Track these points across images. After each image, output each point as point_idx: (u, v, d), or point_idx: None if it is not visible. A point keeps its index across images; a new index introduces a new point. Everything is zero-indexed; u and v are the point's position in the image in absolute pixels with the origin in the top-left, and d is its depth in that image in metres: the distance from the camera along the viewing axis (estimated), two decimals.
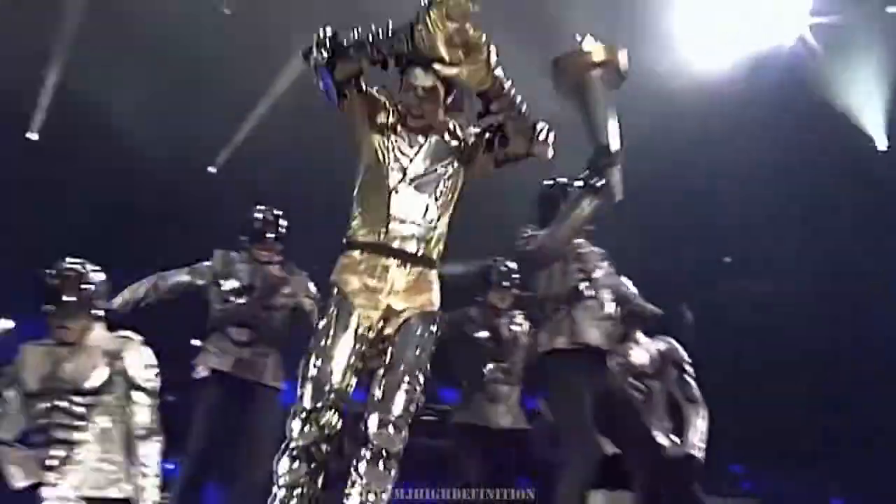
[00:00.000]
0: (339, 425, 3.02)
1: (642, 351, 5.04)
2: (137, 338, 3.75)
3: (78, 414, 3.61)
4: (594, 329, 4.27)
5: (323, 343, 3.01)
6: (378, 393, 3.00)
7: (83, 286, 3.71)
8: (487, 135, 3.24)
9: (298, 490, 2.97)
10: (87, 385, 3.63)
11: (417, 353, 3.06)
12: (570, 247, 4.30)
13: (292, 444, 2.97)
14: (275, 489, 2.99)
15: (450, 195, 3.21)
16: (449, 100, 3.21)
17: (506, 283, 5.22)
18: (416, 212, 3.12)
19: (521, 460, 5.06)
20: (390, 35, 3.00)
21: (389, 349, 3.06)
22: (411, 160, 3.17)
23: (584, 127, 3.95)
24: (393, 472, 2.99)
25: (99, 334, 3.77)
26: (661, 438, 4.87)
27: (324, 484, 3.04)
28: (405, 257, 3.12)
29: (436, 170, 3.19)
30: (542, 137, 3.15)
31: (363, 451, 2.98)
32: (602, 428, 4.25)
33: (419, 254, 3.13)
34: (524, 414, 5.22)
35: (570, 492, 4.05)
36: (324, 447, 2.99)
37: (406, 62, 3.11)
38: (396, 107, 3.22)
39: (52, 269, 3.73)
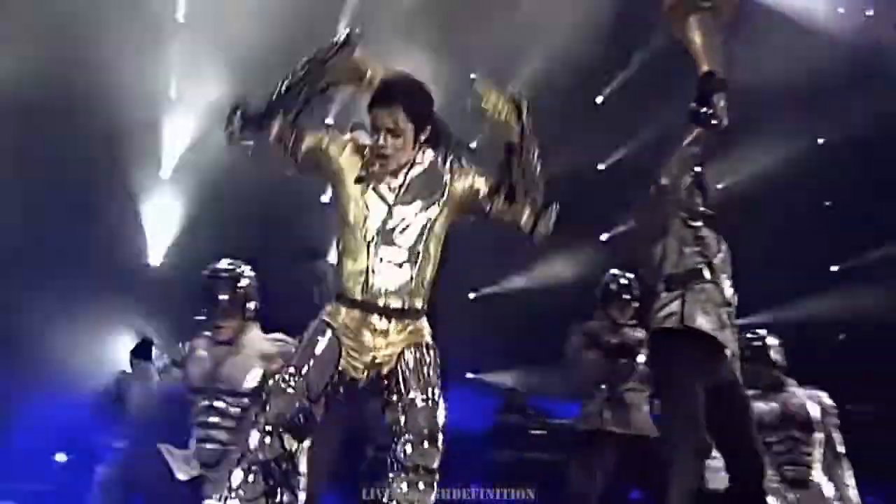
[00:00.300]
0: (301, 446, 2.96)
1: (800, 400, 4.94)
2: (292, 341, 3.69)
3: (233, 415, 3.72)
4: (708, 315, 4.21)
5: (303, 364, 2.92)
6: (401, 419, 2.92)
7: (238, 287, 3.85)
8: (494, 188, 3.04)
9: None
10: (244, 387, 3.72)
11: (425, 373, 2.96)
12: (689, 230, 4.32)
13: (251, 458, 2.88)
14: (227, 500, 2.87)
15: (435, 238, 3.04)
16: (423, 136, 3.02)
17: (626, 296, 5.22)
18: (397, 264, 2.98)
19: (644, 467, 4.93)
20: (298, 81, 2.87)
21: (395, 380, 2.97)
22: (390, 207, 3.00)
23: (692, 56, 3.99)
24: (433, 489, 2.92)
25: (254, 336, 3.86)
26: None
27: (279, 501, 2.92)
28: (390, 313, 3.00)
29: (417, 213, 3.02)
30: (548, 221, 3.04)
31: (400, 476, 2.89)
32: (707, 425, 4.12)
33: (404, 307, 3.01)
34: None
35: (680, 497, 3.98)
36: (283, 465, 2.90)
37: (370, 102, 2.98)
38: (369, 150, 3.02)
39: (208, 270, 3.92)
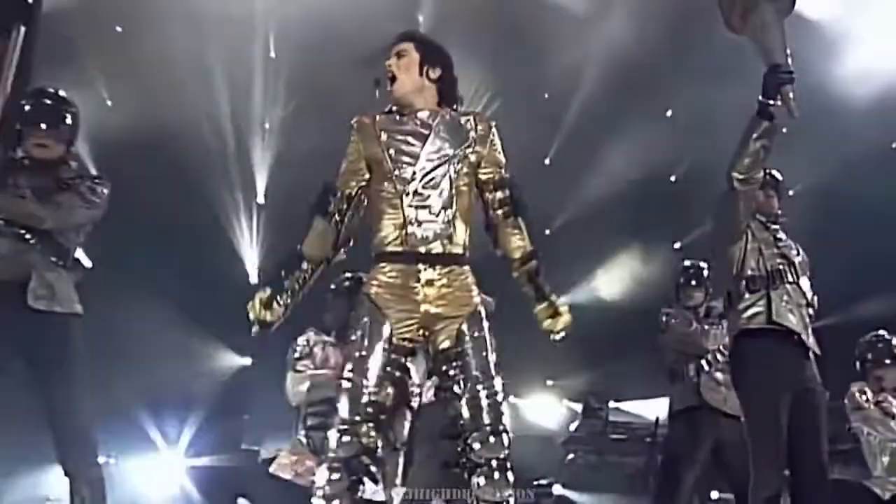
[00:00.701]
0: (379, 438, 3.03)
1: None
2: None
3: None
4: (792, 314, 4.19)
5: (357, 355, 3.00)
6: (465, 413, 2.99)
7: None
8: (491, 207, 3.20)
9: (336, 502, 2.95)
10: None
11: (484, 357, 3.02)
12: (767, 232, 4.32)
13: (332, 456, 2.96)
14: (314, 500, 2.97)
15: (465, 187, 3.13)
16: (430, 67, 3.16)
17: (697, 282, 5.39)
18: (431, 211, 3.07)
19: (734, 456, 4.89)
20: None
21: (454, 365, 3.03)
22: (416, 158, 3.10)
23: (758, 52, 3.98)
24: (510, 479, 2.98)
25: None
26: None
27: (363, 500, 3.04)
28: (431, 260, 3.06)
29: (444, 164, 3.11)
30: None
31: (476, 472, 2.96)
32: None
33: (445, 252, 3.07)
34: None
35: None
36: (364, 459, 2.98)
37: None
38: (384, 121, 3.16)
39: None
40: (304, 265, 3.09)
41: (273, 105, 7.82)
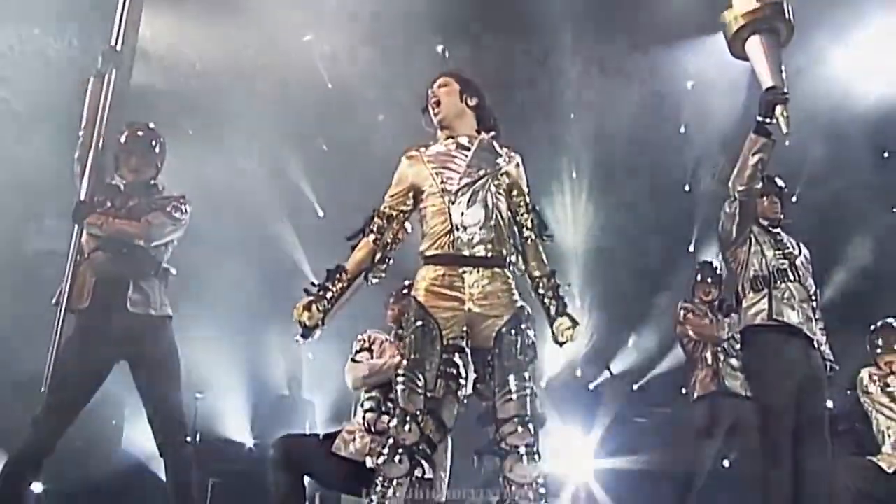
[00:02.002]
0: (437, 427, 3.16)
1: None
2: None
3: None
4: (794, 310, 4.33)
5: (413, 357, 3.13)
6: (497, 404, 3.13)
7: None
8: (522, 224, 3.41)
9: (396, 483, 3.07)
10: None
11: (517, 355, 3.15)
12: (770, 235, 4.47)
13: (394, 443, 3.10)
14: (377, 483, 3.10)
15: (502, 201, 3.32)
16: (468, 95, 3.41)
17: (710, 279, 5.74)
18: (475, 218, 3.23)
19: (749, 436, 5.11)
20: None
21: (489, 361, 3.17)
22: (460, 173, 3.28)
23: (755, 72, 4.23)
24: (538, 463, 3.10)
25: None
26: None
27: (420, 479, 3.16)
28: (476, 262, 3.21)
29: (487, 171, 3.30)
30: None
31: (507, 457, 3.09)
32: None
33: (489, 256, 3.22)
34: None
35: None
36: (423, 447, 3.11)
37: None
38: (429, 149, 3.37)
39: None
40: (343, 276, 3.25)
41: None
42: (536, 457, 3.11)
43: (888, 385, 5.08)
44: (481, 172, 3.29)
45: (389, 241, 3.33)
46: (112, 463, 6.37)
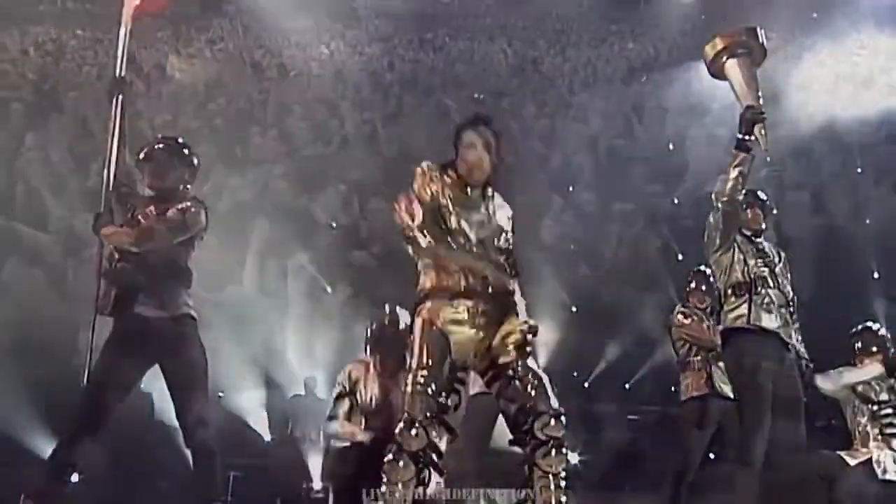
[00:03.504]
0: (443, 435, 3.23)
1: None
2: None
3: None
4: (771, 314, 4.46)
5: (423, 364, 3.24)
6: (533, 397, 3.27)
7: None
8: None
9: (402, 487, 3.11)
10: None
11: (530, 363, 3.34)
12: (751, 245, 4.60)
13: (404, 448, 3.14)
14: (383, 486, 3.14)
15: (506, 241, 3.49)
16: (497, 157, 3.50)
17: (704, 287, 5.74)
18: (489, 258, 3.38)
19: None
20: None
21: (509, 375, 3.31)
22: (478, 221, 3.43)
23: (734, 92, 4.38)
24: (566, 454, 3.22)
25: None
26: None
27: (426, 482, 3.20)
28: (488, 297, 3.36)
29: (495, 227, 3.46)
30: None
31: (537, 450, 3.19)
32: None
33: (498, 290, 3.38)
34: None
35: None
36: (430, 453, 3.17)
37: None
38: (451, 185, 3.43)
39: None
40: None
41: None
42: (564, 450, 3.25)
43: (860, 384, 5.25)
44: (493, 219, 3.47)
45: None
46: (142, 433, 6.58)
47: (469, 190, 3.47)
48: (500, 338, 3.34)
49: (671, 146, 8.94)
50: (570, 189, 9.54)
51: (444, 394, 3.23)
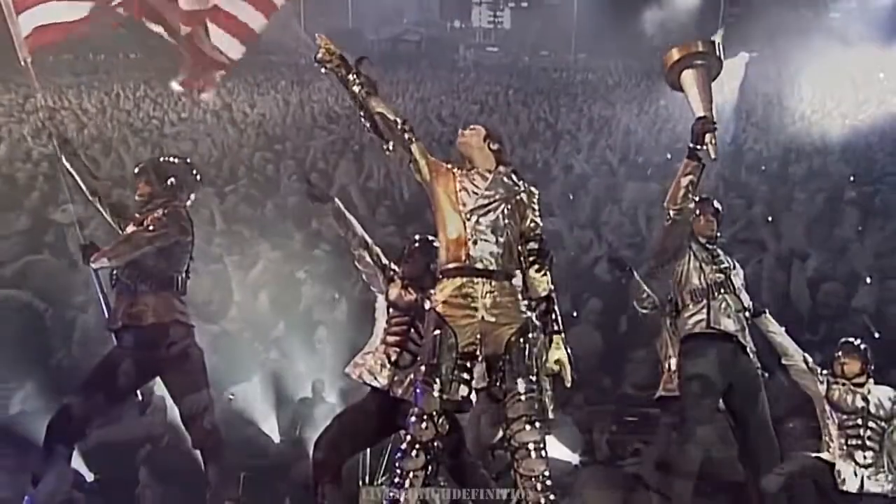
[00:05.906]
0: (449, 426, 3.38)
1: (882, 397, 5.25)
2: None
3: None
4: (730, 319, 4.60)
5: (430, 361, 3.36)
6: (510, 403, 3.39)
7: None
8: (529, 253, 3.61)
9: (412, 475, 3.28)
10: None
11: (525, 361, 3.41)
12: (706, 252, 4.74)
13: (414, 439, 3.31)
14: (395, 476, 3.31)
15: (512, 219, 3.53)
16: (494, 146, 3.67)
17: None
18: (488, 235, 3.45)
19: None
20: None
21: (500, 367, 3.41)
22: (478, 193, 3.51)
23: (688, 102, 4.52)
24: (544, 458, 3.34)
25: None
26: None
27: (435, 472, 3.39)
28: (487, 274, 3.44)
29: (500, 195, 3.53)
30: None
31: (516, 452, 3.32)
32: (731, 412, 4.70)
33: (498, 269, 3.46)
34: None
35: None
36: (437, 444, 3.34)
37: None
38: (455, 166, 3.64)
39: None
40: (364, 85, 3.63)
41: None
42: (543, 453, 3.35)
43: (834, 391, 5.32)
44: (496, 196, 3.56)
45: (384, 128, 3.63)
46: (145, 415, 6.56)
47: (473, 171, 3.58)
48: (498, 326, 3.41)
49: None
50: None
51: (448, 388, 3.35)
